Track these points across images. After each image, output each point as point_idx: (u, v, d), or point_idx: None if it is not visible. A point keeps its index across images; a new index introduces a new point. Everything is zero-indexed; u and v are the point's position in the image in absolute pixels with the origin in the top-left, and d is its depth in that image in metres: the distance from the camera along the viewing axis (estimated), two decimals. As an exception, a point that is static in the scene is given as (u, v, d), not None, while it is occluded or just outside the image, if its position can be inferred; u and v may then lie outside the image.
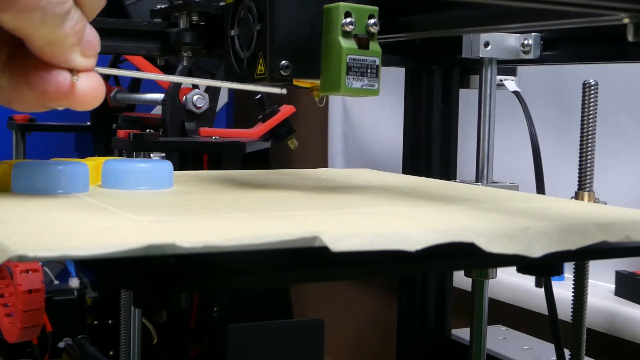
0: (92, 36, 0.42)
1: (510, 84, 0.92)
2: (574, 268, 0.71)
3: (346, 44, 0.50)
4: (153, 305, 1.19)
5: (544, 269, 0.43)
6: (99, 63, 0.43)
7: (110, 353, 1.23)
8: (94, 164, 0.52)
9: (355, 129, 1.82)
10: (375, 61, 0.51)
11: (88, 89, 0.42)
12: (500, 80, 0.91)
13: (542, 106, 1.27)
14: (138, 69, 1.47)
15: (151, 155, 1.11)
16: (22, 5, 0.38)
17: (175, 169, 0.54)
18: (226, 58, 0.56)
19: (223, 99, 2.13)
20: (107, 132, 1.58)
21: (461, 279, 0.92)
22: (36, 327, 1.06)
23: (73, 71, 0.42)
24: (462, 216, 0.43)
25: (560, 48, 0.86)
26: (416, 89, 1.02)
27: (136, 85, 1.66)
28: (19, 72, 0.42)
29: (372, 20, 0.50)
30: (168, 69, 1.24)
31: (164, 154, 1.12)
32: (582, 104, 0.68)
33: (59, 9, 0.39)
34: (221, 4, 0.91)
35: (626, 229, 0.40)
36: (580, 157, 0.69)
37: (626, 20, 0.41)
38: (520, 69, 0.94)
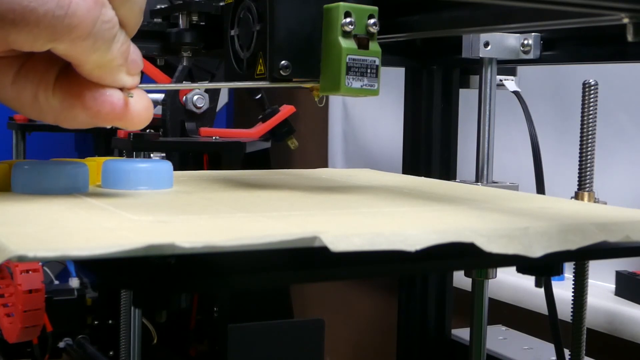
0: (136, 54, 0.42)
1: (510, 84, 0.92)
2: (574, 268, 0.71)
3: (346, 44, 0.50)
4: (153, 305, 1.19)
5: (544, 269, 0.43)
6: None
7: (110, 353, 1.23)
8: (94, 164, 0.52)
9: (355, 129, 1.82)
10: (375, 61, 0.51)
11: (141, 109, 0.43)
12: (500, 80, 0.91)
13: (542, 106, 1.27)
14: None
15: (151, 155, 1.11)
16: (77, 34, 0.38)
17: (175, 169, 0.54)
18: (226, 58, 0.56)
19: (223, 99, 2.12)
20: (107, 132, 1.58)
21: (461, 279, 0.92)
22: (36, 327, 1.06)
23: (124, 89, 0.42)
24: (462, 216, 0.43)
25: (560, 48, 0.86)
26: (416, 89, 1.03)
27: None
28: (71, 93, 0.42)
29: (372, 20, 0.50)
30: (168, 69, 1.24)
31: (164, 154, 1.12)
32: (582, 104, 0.68)
33: (108, 34, 0.39)
34: (221, 4, 0.91)
35: (626, 229, 0.40)
36: (580, 157, 0.69)
37: (626, 20, 0.41)
38: (520, 69, 0.94)
